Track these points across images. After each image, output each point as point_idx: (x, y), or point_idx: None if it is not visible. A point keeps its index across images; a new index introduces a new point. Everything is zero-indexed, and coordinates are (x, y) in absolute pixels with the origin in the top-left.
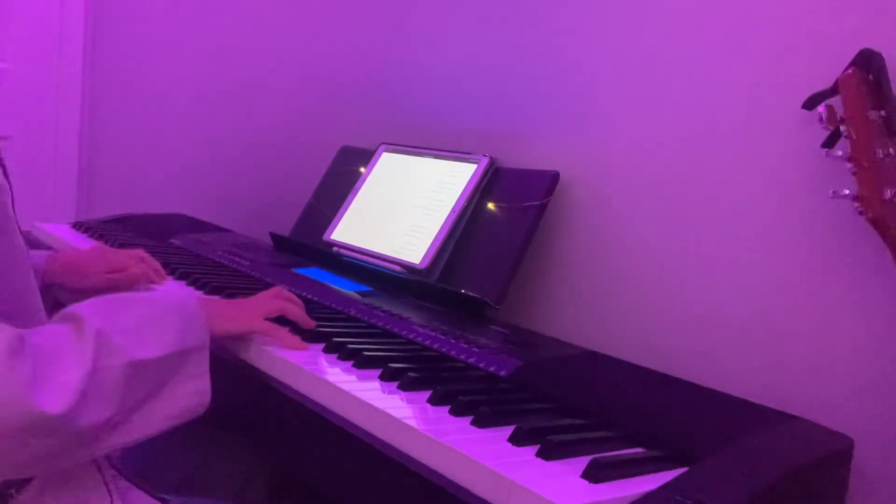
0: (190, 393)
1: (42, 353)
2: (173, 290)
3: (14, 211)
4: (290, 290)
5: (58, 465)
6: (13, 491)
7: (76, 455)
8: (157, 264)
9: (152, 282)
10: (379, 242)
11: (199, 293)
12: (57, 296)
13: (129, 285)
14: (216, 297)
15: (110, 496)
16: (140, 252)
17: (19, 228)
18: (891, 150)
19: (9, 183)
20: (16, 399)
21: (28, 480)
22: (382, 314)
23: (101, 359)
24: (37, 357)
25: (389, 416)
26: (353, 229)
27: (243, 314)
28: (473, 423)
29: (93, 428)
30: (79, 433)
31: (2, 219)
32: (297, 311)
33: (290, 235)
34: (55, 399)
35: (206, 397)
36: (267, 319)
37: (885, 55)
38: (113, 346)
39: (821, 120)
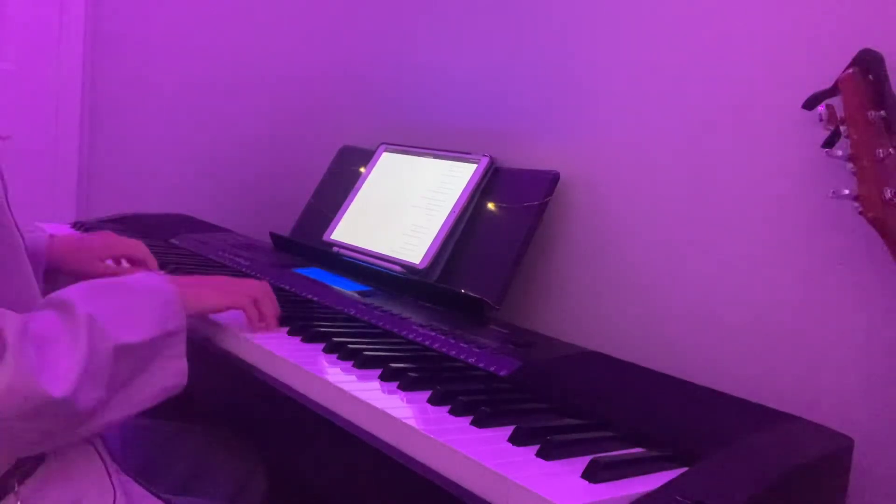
0: (169, 374)
1: (40, 339)
2: (150, 276)
3: (9, 205)
4: (289, 291)
5: (50, 445)
6: (15, 482)
7: (67, 436)
8: (154, 263)
9: None
10: (379, 242)
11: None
12: (56, 279)
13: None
14: (190, 276)
15: (113, 490)
16: (141, 246)
17: (16, 223)
18: (891, 150)
19: (2, 177)
20: (27, 384)
21: (30, 472)
22: (382, 314)
23: (93, 342)
24: (36, 343)
25: (389, 416)
26: (353, 229)
27: (217, 291)
28: (473, 423)
29: (87, 409)
30: (77, 414)
31: None
32: (270, 311)
33: (290, 235)
34: (59, 383)
35: (184, 378)
36: None
37: (885, 55)
38: (102, 330)
39: (821, 120)
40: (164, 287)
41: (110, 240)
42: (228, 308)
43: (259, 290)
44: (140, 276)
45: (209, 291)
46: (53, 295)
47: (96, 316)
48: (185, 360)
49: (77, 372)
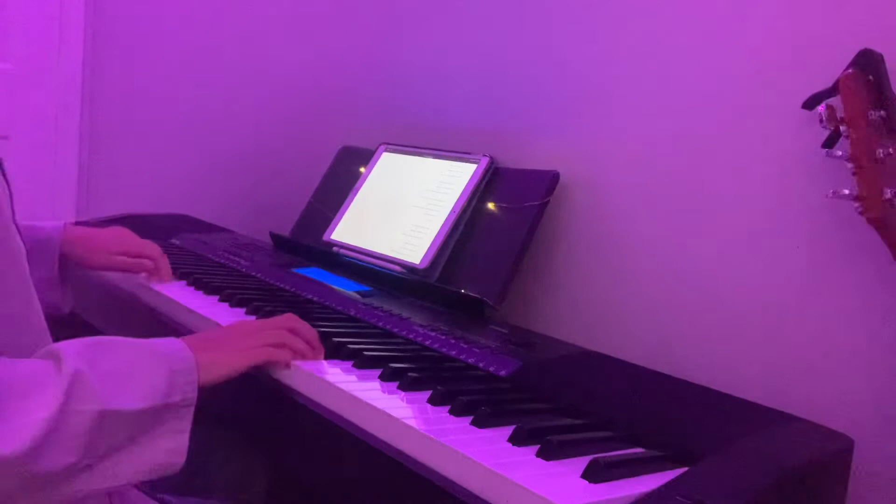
0: (165, 450)
1: (8, 391)
2: (171, 341)
3: (13, 213)
4: (289, 291)
5: None
6: None
7: (36, 498)
8: (167, 265)
9: (159, 280)
10: (379, 242)
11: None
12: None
13: (134, 273)
14: (211, 332)
15: (109, 497)
16: (157, 248)
17: (19, 231)
18: (891, 150)
19: (8, 184)
20: None
21: None
22: (382, 314)
23: (72, 403)
24: (4, 394)
25: (389, 416)
26: (353, 229)
27: (235, 351)
28: (473, 423)
29: (53, 472)
30: (36, 476)
31: None
32: (300, 346)
33: (290, 235)
34: (11, 441)
35: (181, 458)
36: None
37: (885, 55)
38: (89, 390)
39: (821, 120)
40: (182, 354)
41: (125, 237)
42: (250, 368)
43: (282, 330)
44: (160, 340)
45: (226, 355)
46: (55, 345)
47: (86, 373)
48: (185, 437)
49: (37, 432)
